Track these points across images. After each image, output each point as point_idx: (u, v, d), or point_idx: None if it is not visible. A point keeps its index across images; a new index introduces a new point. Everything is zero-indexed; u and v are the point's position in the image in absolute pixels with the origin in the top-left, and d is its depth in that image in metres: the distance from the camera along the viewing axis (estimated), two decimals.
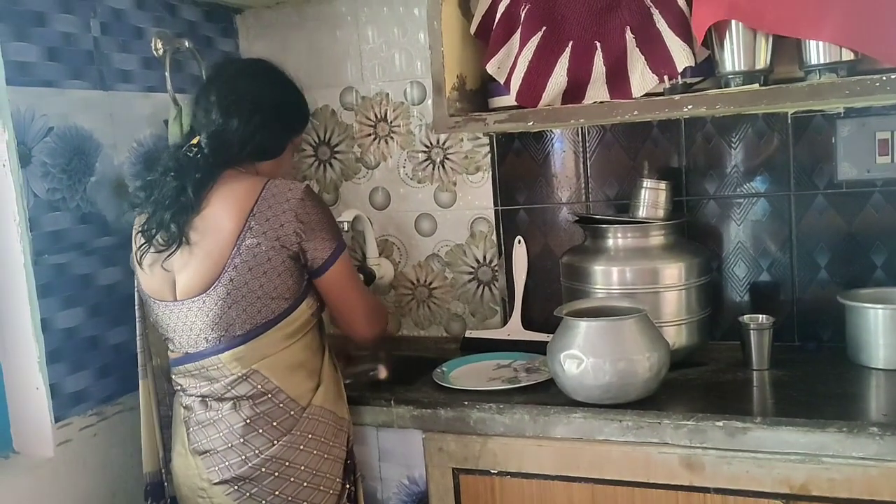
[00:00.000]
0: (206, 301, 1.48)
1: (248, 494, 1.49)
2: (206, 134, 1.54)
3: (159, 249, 1.51)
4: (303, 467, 1.51)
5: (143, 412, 1.67)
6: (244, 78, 1.60)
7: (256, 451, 1.49)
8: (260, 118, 1.55)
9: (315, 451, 1.53)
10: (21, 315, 1.63)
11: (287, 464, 1.49)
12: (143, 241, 1.54)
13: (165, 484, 1.67)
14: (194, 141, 1.55)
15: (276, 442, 1.49)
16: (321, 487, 1.54)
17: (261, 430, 1.49)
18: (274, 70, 1.65)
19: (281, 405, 1.51)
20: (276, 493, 1.49)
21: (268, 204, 1.48)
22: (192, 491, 1.54)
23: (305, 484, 1.51)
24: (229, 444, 1.49)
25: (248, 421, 1.49)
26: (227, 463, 1.49)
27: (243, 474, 1.49)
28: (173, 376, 1.59)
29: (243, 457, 1.49)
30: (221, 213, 1.49)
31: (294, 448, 1.50)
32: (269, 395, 1.50)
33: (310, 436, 1.52)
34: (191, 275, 1.50)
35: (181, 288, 1.51)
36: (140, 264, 1.55)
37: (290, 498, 1.50)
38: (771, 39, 1.58)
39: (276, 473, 1.49)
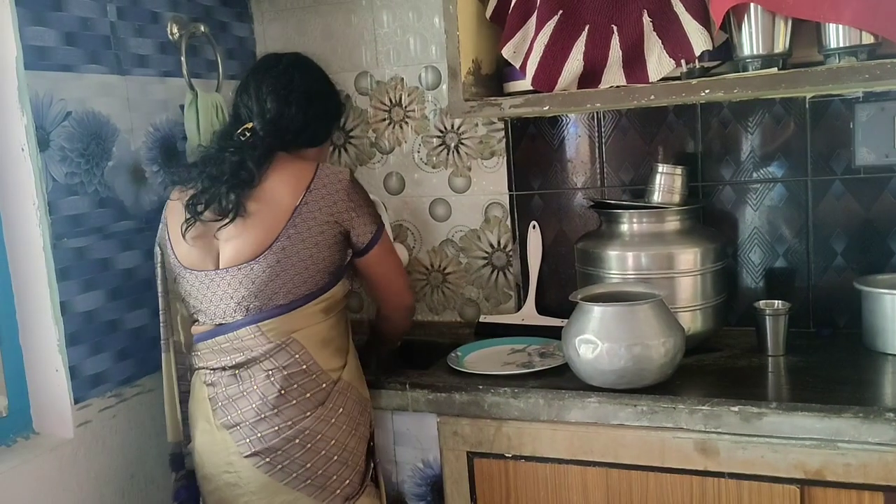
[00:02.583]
0: (253, 268, 1.52)
1: (279, 466, 1.50)
2: (262, 120, 1.63)
3: (210, 220, 1.56)
4: (333, 441, 1.54)
5: (165, 385, 1.70)
6: (297, 71, 1.68)
7: (290, 422, 1.51)
8: (314, 108, 1.67)
9: (344, 427, 1.56)
10: (40, 298, 1.64)
11: (319, 436, 1.52)
12: (188, 214, 1.58)
13: (185, 457, 1.70)
14: (248, 126, 1.62)
15: (308, 414, 1.52)
16: (349, 463, 1.56)
17: (294, 401, 1.52)
18: (317, 65, 1.75)
19: (315, 377, 1.54)
20: (308, 465, 1.51)
21: (322, 182, 1.57)
22: (218, 468, 1.55)
23: (335, 458, 1.54)
24: (261, 416, 1.51)
25: (282, 392, 1.51)
26: (258, 434, 1.51)
27: (275, 445, 1.50)
28: (197, 353, 1.61)
29: (276, 427, 1.50)
30: (279, 187, 1.56)
31: (326, 421, 1.53)
32: (305, 367, 1.53)
33: (340, 410, 1.56)
34: (241, 243, 1.54)
35: (227, 256, 1.55)
36: (184, 237, 1.59)
37: (319, 471, 1.52)
38: (790, 23, 1.57)
39: (308, 446, 1.51)
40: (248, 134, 1.61)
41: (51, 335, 1.65)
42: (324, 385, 1.55)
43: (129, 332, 1.81)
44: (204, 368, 1.59)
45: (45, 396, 1.68)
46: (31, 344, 1.67)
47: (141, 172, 1.85)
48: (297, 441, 1.51)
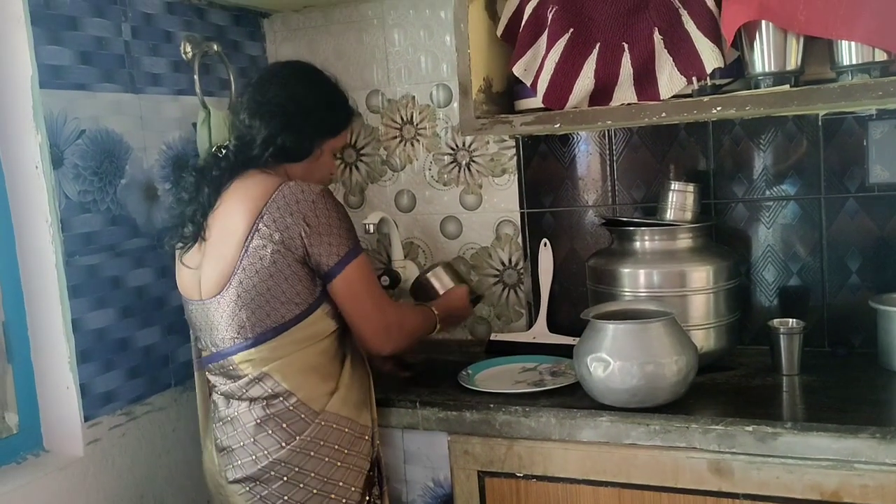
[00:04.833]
0: (220, 302, 1.51)
1: (258, 496, 1.49)
2: (234, 135, 1.61)
3: (184, 244, 1.57)
4: (313, 474, 1.49)
5: (199, 401, 1.71)
6: (275, 81, 1.62)
7: (266, 453, 1.49)
8: (282, 120, 1.56)
9: (327, 459, 1.51)
10: (52, 315, 1.65)
11: (297, 469, 1.49)
12: (172, 237, 1.59)
13: None
14: (224, 144, 1.61)
15: (284, 445, 1.49)
16: (332, 496, 1.51)
17: (270, 432, 1.49)
18: (306, 72, 1.66)
19: (292, 408, 1.50)
20: (286, 497, 1.48)
21: (277, 205, 1.47)
22: (216, 487, 1.58)
23: (315, 491, 1.49)
24: (242, 443, 1.51)
25: (258, 421, 1.50)
26: (240, 462, 1.51)
27: (254, 475, 1.49)
28: (207, 374, 1.62)
29: (254, 457, 1.49)
30: (234, 212, 1.50)
31: (304, 454, 1.49)
32: (281, 398, 1.50)
33: (322, 442, 1.50)
34: (209, 274, 1.52)
35: (203, 287, 1.54)
36: (182, 262, 1.59)
37: (298, 503, 1.49)
38: (802, 40, 1.56)
39: (285, 478, 1.48)
40: (222, 153, 1.58)
41: (62, 352, 1.65)
42: (303, 415, 1.50)
43: (139, 350, 1.81)
44: (213, 388, 1.61)
45: (55, 414, 1.69)
46: (43, 361, 1.68)
47: (153, 190, 1.86)
48: (273, 473, 1.48)
